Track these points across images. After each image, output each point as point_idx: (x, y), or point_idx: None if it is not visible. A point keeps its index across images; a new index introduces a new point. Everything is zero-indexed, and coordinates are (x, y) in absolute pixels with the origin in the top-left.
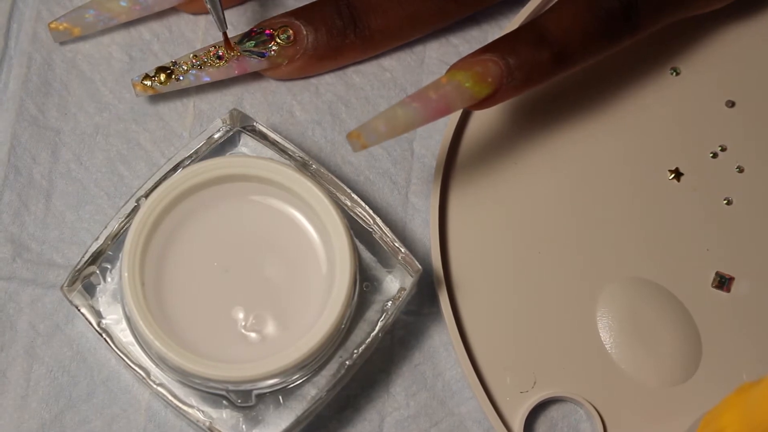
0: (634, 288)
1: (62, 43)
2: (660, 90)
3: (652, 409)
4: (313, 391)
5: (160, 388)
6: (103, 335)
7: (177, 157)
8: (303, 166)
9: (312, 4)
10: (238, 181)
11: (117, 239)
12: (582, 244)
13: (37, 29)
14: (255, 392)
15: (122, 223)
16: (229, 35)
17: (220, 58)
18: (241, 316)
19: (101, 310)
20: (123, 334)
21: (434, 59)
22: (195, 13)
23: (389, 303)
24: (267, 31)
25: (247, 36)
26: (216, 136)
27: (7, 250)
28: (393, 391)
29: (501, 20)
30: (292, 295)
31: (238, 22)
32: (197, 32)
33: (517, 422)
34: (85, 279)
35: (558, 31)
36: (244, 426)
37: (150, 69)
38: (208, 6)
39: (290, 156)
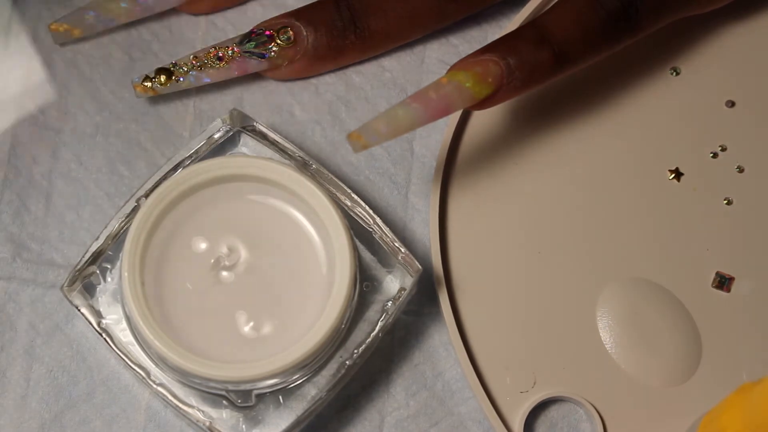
0: (634, 288)
1: (62, 44)
2: (660, 90)
3: (652, 409)
4: (313, 391)
5: (160, 388)
6: (103, 335)
7: (177, 157)
8: (303, 166)
9: (312, 4)
10: (238, 181)
11: (117, 239)
12: (582, 244)
13: (37, 29)
14: (255, 392)
15: (122, 223)
16: (229, 35)
17: (220, 59)
18: (241, 315)
19: (101, 310)
20: (123, 334)
21: (434, 59)
22: (195, 14)
23: (389, 303)
24: (267, 32)
25: (247, 37)
26: (216, 136)
27: (7, 250)
28: (393, 391)
29: (501, 20)
30: (292, 295)
31: (238, 22)
32: (197, 33)
33: (517, 422)
34: (85, 279)
35: (558, 31)
36: (244, 426)
37: (150, 69)
38: None
39: (290, 156)
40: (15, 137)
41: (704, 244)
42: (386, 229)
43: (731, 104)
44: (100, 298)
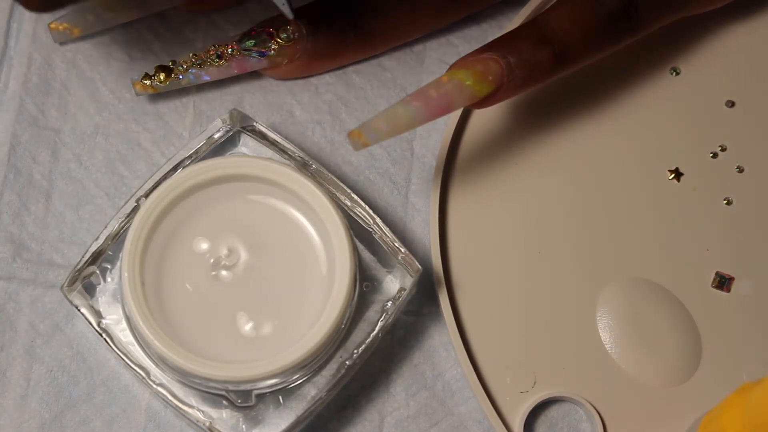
0: (634, 288)
1: (62, 43)
2: (660, 90)
3: (652, 409)
4: (313, 391)
5: (160, 388)
6: (103, 335)
7: (177, 157)
8: (303, 166)
9: (312, 3)
10: (238, 181)
11: (117, 239)
12: (582, 244)
13: (37, 29)
14: (255, 392)
15: (122, 223)
16: (229, 35)
17: (219, 57)
18: (241, 315)
19: (101, 310)
20: (123, 334)
21: (434, 59)
22: (195, 13)
23: (389, 303)
24: (267, 30)
25: (247, 35)
26: (216, 136)
27: (7, 250)
28: (393, 391)
29: (501, 20)
30: (292, 295)
31: (238, 21)
32: (197, 32)
33: (517, 422)
34: (85, 279)
35: (559, 29)
36: (244, 426)
37: (150, 69)
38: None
39: (290, 156)
40: (15, 137)
41: (704, 244)
42: (386, 229)
43: (731, 104)
44: (100, 298)
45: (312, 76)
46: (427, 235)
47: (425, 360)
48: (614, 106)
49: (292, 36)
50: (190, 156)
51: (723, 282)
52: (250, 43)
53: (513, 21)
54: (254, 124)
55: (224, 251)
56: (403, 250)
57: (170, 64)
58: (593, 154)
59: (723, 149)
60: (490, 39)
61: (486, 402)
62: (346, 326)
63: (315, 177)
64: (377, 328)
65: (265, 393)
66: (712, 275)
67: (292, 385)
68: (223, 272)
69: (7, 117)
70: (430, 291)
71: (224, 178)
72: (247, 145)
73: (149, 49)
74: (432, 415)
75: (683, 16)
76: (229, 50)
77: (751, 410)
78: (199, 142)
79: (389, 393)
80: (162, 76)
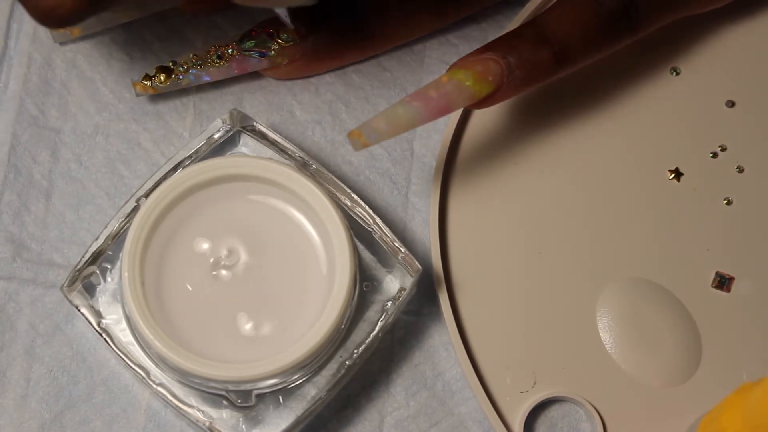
0: (634, 288)
1: (62, 43)
2: (660, 90)
3: (652, 409)
4: (313, 391)
5: (160, 388)
6: (103, 335)
7: (177, 157)
8: (303, 166)
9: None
10: (238, 181)
11: (117, 239)
12: (582, 244)
13: (37, 29)
14: (255, 392)
15: (122, 223)
16: (229, 35)
17: (220, 57)
18: (241, 315)
19: (101, 310)
20: (123, 334)
21: (434, 59)
22: (195, 13)
23: (389, 303)
24: (267, 31)
25: (247, 35)
26: (216, 136)
27: (7, 250)
28: (393, 391)
29: (501, 20)
30: (292, 295)
31: (238, 21)
32: (198, 32)
33: (517, 422)
34: (85, 279)
35: (559, 29)
36: (244, 426)
37: (150, 69)
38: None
39: (290, 156)
40: (15, 137)
41: (704, 244)
42: (386, 229)
43: (731, 104)
44: (100, 298)
45: (312, 76)
46: (427, 235)
47: (425, 360)
48: (614, 106)
49: (292, 37)
50: (190, 156)
51: (723, 282)
52: (250, 43)
53: (513, 21)
54: (254, 124)
55: (224, 251)
56: (403, 250)
57: (170, 64)
58: (593, 154)
59: (723, 149)
60: (490, 39)
61: (486, 402)
62: (346, 326)
63: (315, 177)
64: (377, 328)
65: (265, 393)
66: (712, 275)
67: (292, 385)
68: (223, 272)
69: (7, 117)
70: (430, 291)
71: (224, 178)
72: (247, 145)
73: (149, 50)
74: (432, 415)
75: (683, 16)
76: (230, 51)
77: (751, 410)
78: (199, 142)
79: (389, 393)
80: (162, 76)
